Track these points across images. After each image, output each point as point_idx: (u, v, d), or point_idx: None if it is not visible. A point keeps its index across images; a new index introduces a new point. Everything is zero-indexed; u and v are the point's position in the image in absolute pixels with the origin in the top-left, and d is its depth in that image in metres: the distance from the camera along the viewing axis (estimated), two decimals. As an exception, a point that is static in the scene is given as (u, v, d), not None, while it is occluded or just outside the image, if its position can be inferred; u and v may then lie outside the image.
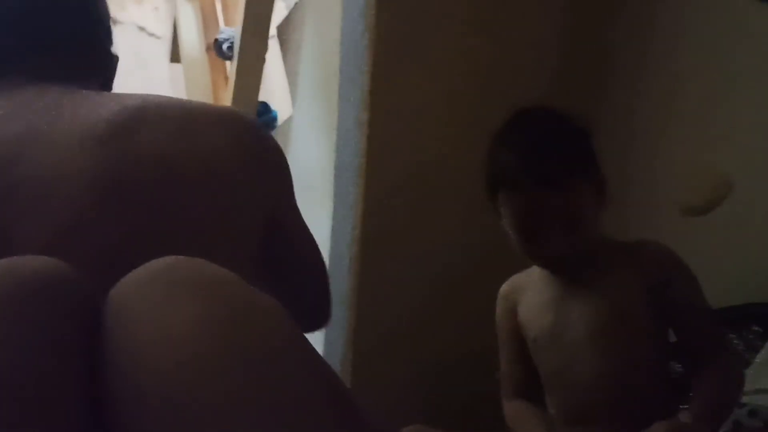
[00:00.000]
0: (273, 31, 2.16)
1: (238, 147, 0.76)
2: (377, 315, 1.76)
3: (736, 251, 1.47)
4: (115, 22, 3.25)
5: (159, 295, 0.53)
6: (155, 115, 0.74)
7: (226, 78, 2.31)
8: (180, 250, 0.57)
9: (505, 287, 1.23)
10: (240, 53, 2.05)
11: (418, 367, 1.77)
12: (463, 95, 1.68)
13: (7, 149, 0.67)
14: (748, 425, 1.09)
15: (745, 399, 1.13)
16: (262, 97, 2.25)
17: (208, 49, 2.33)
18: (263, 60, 2.11)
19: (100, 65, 0.87)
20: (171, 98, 0.80)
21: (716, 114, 1.56)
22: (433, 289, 1.75)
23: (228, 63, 2.29)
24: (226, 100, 2.18)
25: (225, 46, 2.18)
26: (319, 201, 1.89)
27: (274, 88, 2.40)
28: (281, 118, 2.25)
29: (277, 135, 2.26)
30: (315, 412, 0.51)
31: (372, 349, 1.76)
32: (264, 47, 2.08)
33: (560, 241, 1.08)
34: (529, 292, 1.19)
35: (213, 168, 0.73)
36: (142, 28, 3.26)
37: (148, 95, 0.78)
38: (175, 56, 2.50)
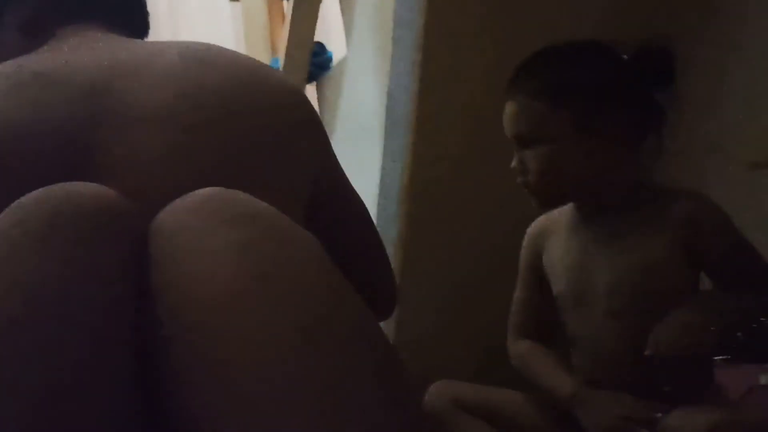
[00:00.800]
0: (331, -30, 2.15)
1: (292, 112, 0.78)
2: (426, 259, 1.78)
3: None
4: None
5: (199, 224, 0.54)
6: (224, 57, 0.77)
7: (284, 17, 2.31)
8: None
9: (532, 228, 1.21)
10: (296, -7, 2.04)
11: (466, 311, 1.79)
12: (522, 39, 1.65)
13: (98, 77, 0.70)
14: None
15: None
16: (318, 38, 2.25)
17: (265, -13, 2.33)
18: (319, 0, 2.10)
19: (145, 28, 0.93)
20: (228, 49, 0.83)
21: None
22: (483, 236, 1.75)
23: (285, 2, 2.29)
24: (283, 39, 2.19)
25: (282, -15, 2.18)
26: (371, 143, 1.90)
27: (330, 29, 2.39)
28: (336, 59, 2.25)
29: (331, 76, 2.27)
30: (347, 347, 0.53)
31: (419, 292, 1.78)
32: (321, -13, 2.08)
33: (523, 160, 1.09)
34: (554, 238, 1.16)
35: (271, 120, 0.75)
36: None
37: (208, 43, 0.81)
38: (234, -6, 2.52)
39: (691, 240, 1.04)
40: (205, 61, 0.74)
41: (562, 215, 1.18)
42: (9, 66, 0.73)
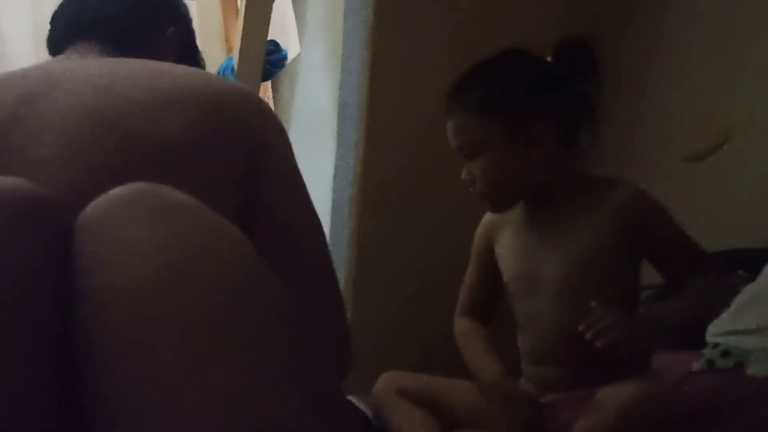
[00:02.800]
0: (283, -32, 2.16)
1: (212, 120, 0.80)
2: (379, 255, 1.80)
3: (727, 198, 1.48)
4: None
5: (124, 217, 0.55)
6: (146, 67, 0.83)
7: (238, 16, 2.32)
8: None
9: (486, 218, 1.26)
10: (249, -9, 2.05)
11: (418, 305, 1.81)
12: (469, 35, 1.68)
13: (28, 89, 0.79)
14: (720, 365, 1.12)
15: (719, 340, 1.16)
16: (274, 36, 2.26)
17: (219, -14, 2.33)
18: (272, -2, 2.11)
19: (137, 45, 0.96)
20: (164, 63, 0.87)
21: (720, 64, 1.56)
22: (435, 229, 1.78)
23: (239, 1, 2.30)
24: (237, 38, 2.20)
25: (234, -16, 2.18)
26: (324, 141, 1.92)
27: (286, 27, 2.40)
28: (291, 57, 2.26)
29: (286, 74, 2.28)
30: (266, 334, 0.54)
31: (373, 289, 1.80)
32: (273, -15, 2.08)
33: (470, 171, 1.14)
34: (506, 230, 1.21)
35: (180, 123, 0.78)
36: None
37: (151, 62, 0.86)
38: (188, -7, 2.51)
39: (630, 225, 1.10)
40: (121, 71, 0.81)
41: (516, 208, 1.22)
42: None
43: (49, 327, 0.53)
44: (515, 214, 1.20)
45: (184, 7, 1.08)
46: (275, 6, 2.17)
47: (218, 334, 0.52)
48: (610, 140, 1.72)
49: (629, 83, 1.69)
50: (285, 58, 2.26)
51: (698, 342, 1.21)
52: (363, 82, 1.70)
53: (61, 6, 1.00)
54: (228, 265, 0.56)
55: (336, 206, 1.83)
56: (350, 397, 1.10)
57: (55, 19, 0.99)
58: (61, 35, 0.97)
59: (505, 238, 1.21)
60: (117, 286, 0.52)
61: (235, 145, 0.80)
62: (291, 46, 2.25)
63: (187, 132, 0.76)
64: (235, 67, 2.15)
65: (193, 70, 0.86)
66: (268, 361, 0.53)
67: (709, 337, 1.18)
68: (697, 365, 1.15)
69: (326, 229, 1.83)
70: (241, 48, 2.13)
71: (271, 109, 0.91)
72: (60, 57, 0.93)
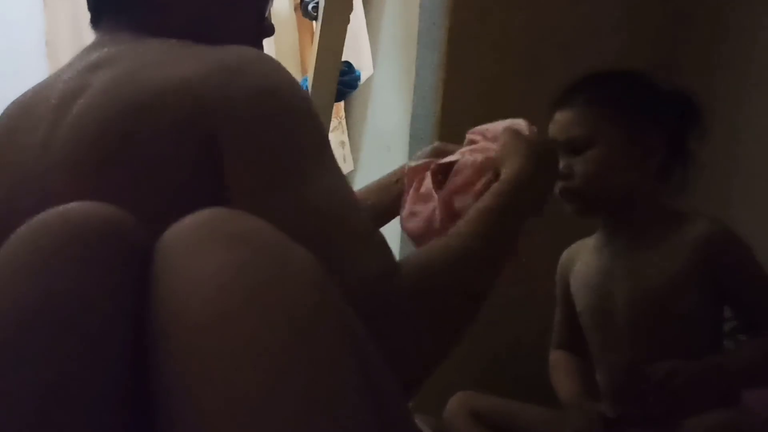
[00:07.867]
0: (358, -9, 2.18)
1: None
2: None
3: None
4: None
5: (195, 244, 0.55)
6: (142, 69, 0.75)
7: (313, 37, 2.35)
8: None
9: (564, 254, 1.26)
10: (324, 14, 2.07)
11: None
12: (543, 56, 1.66)
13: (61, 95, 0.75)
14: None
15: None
16: (349, 57, 2.28)
17: (295, 8, 2.37)
18: (347, 20, 2.13)
19: (171, 22, 0.84)
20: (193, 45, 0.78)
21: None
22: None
23: (314, 22, 2.33)
24: (312, 58, 2.23)
25: (310, 6, 2.21)
26: (396, 162, 1.92)
27: (361, 48, 2.42)
28: (364, 77, 2.27)
29: (359, 95, 2.30)
30: (339, 361, 0.53)
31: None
32: (348, 8, 2.10)
33: (571, 165, 1.10)
34: (581, 261, 1.20)
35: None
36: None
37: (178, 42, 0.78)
38: (265, 15, 2.56)
39: (709, 262, 1.06)
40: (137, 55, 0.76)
41: (590, 241, 1.22)
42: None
43: (126, 356, 0.54)
44: (588, 246, 1.19)
45: None
46: (349, 27, 2.19)
47: (295, 364, 0.51)
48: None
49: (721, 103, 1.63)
50: (358, 78, 2.28)
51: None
52: (435, 103, 1.69)
53: None
54: (299, 291, 0.55)
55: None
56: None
57: None
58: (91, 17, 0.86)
59: (579, 270, 1.20)
60: (191, 316, 0.52)
61: (191, 136, 0.70)
62: (364, 67, 2.26)
63: (161, 138, 0.70)
64: (310, 88, 2.18)
65: (191, 58, 0.74)
66: (342, 390, 0.52)
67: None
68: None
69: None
70: (315, 69, 2.16)
71: (245, 85, 0.72)
72: (87, 49, 0.82)
